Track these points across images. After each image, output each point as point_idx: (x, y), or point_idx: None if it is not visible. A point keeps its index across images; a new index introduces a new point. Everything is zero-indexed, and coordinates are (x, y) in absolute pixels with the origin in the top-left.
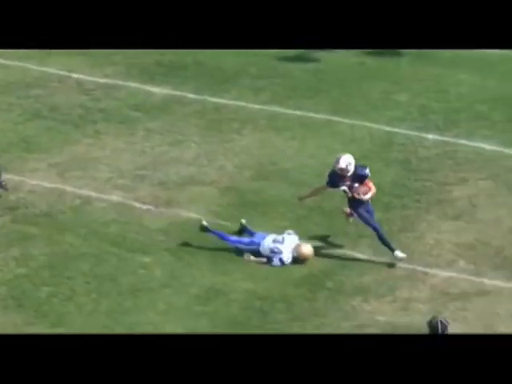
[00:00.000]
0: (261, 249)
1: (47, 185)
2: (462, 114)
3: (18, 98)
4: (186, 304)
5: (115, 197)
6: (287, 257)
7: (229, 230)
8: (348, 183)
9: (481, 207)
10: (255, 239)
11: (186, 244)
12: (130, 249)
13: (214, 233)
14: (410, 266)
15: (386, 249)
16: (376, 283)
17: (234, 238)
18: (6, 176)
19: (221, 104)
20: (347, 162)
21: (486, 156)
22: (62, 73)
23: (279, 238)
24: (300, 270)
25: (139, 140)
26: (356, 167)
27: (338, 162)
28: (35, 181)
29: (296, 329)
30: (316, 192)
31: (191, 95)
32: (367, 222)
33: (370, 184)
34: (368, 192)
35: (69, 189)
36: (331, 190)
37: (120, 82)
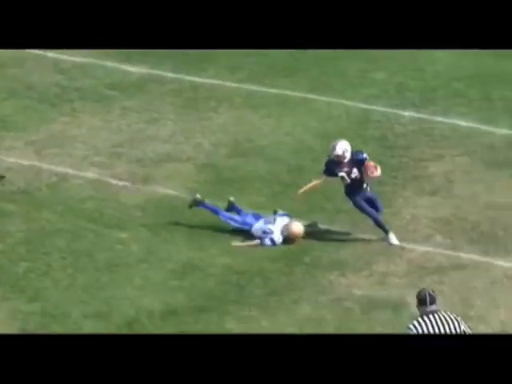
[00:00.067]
0: (253, 230)
1: (24, 162)
2: (439, 91)
3: None
4: (163, 279)
5: (92, 174)
6: (278, 237)
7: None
8: (346, 169)
9: (457, 183)
10: (248, 220)
11: (162, 220)
12: (107, 225)
13: (206, 207)
14: (387, 241)
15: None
16: (353, 257)
17: (227, 214)
18: None
19: (197, 83)
20: (343, 148)
21: (462, 133)
22: (37, 52)
23: (270, 218)
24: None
25: (115, 118)
26: (353, 153)
27: (334, 148)
28: (12, 159)
29: (273, 303)
30: (315, 185)
31: (168, 74)
32: (364, 211)
33: (371, 163)
34: (375, 170)
35: (45, 166)
36: (330, 178)
37: (96, 61)
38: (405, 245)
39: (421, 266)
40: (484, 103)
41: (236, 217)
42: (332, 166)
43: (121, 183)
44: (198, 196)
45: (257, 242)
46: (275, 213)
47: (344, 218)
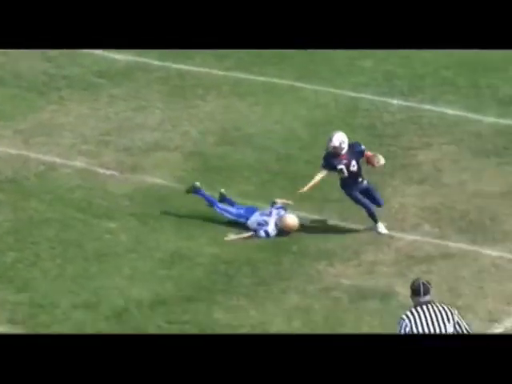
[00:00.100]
0: (248, 222)
1: (12, 151)
2: (427, 79)
3: None
4: (151, 268)
5: (80, 163)
6: (272, 229)
7: (194, 196)
8: (345, 161)
9: (445, 171)
10: (243, 212)
11: (150, 209)
12: (95, 214)
13: (203, 195)
14: (375, 230)
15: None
16: (341, 247)
17: (223, 206)
18: None
19: (184, 70)
20: (340, 139)
21: (450, 121)
22: None
23: (267, 211)
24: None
25: (103, 106)
26: (350, 145)
27: (330, 140)
28: (0, 147)
29: (261, 292)
30: (316, 180)
31: (155, 62)
32: (359, 202)
33: (367, 153)
34: (379, 159)
35: (33, 155)
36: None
37: (84, 49)
38: (393, 234)
39: (409, 255)
40: (471, 91)
41: (231, 209)
42: (330, 158)
43: (109, 172)
44: (198, 184)
45: (251, 233)
46: (273, 204)
47: (332, 207)
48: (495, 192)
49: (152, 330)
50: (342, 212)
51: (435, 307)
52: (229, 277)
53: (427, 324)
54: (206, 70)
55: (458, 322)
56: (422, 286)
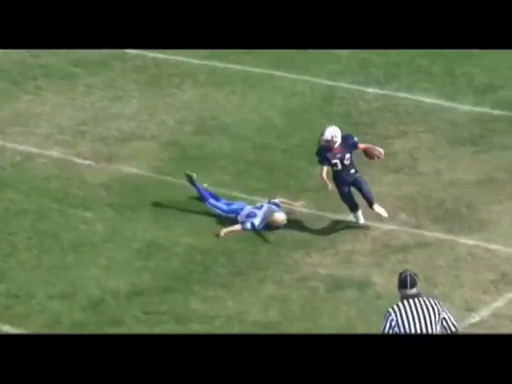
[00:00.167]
0: (238, 217)
1: None
2: (403, 67)
3: None
4: (128, 259)
5: (56, 152)
6: (259, 221)
7: (171, 185)
8: (339, 155)
9: (421, 160)
10: (235, 208)
11: (127, 199)
12: (72, 204)
13: (197, 189)
14: (352, 219)
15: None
16: (318, 236)
17: (215, 202)
18: None
19: (160, 59)
20: (332, 133)
21: (426, 109)
22: None
23: (258, 205)
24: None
25: (79, 96)
26: (343, 138)
27: (323, 134)
28: None
29: (238, 282)
30: (325, 176)
31: (131, 51)
32: (344, 196)
33: (362, 145)
34: (380, 152)
35: (9, 145)
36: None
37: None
38: (370, 223)
39: (385, 244)
40: (447, 79)
41: (222, 205)
42: (325, 153)
43: (85, 162)
44: (195, 175)
45: (238, 227)
46: (269, 201)
47: (309, 196)
48: (471, 181)
49: (129, 320)
50: (319, 201)
51: (422, 301)
52: (205, 267)
53: (413, 319)
54: (183, 58)
55: (444, 318)
56: (408, 278)
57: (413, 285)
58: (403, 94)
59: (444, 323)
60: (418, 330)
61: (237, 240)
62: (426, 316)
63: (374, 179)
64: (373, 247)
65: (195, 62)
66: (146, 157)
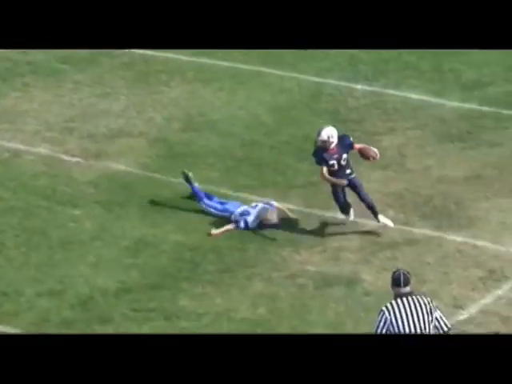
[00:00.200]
0: (232, 216)
1: None
2: (391, 64)
3: None
4: (117, 256)
5: (44, 149)
6: (252, 220)
7: (159, 182)
8: (336, 156)
9: (409, 157)
10: (229, 207)
11: (115, 196)
12: (60, 202)
13: (193, 189)
14: (340, 216)
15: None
16: (306, 234)
17: (209, 202)
18: None
19: (148, 56)
20: (328, 133)
21: (414, 105)
22: None
23: (254, 204)
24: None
25: (67, 92)
26: (339, 138)
27: (319, 134)
28: None
29: (226, 280)
30: (326, 177)
31: None
32: (336, 197)
33: (358, 145)
34: (376, 153)
35: None
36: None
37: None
38: (357, 219)
39: (374, 241)
40: (435, 75)
41: (217, 205)
42: (321, 153)
43: (73, 159)
44: (191, 175)
45: (231, 226)
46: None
47: (297, 193)
48: (459, 177)
49: (117, 317)
50: (307, 198)
51: (416, 300)
52: (194, 264)
53: (407, 317)
54: (171, 55)
55: (437, 318)
56: (402, 276)
57: (406, 283)
58: (391, 91)
59: (436, 323)
60: (412, 329)
61: (225, 237)
62: (420, 315)
63: (362, 176)
64: (361, 244)
65: (183, 58)
66: (134, 154)
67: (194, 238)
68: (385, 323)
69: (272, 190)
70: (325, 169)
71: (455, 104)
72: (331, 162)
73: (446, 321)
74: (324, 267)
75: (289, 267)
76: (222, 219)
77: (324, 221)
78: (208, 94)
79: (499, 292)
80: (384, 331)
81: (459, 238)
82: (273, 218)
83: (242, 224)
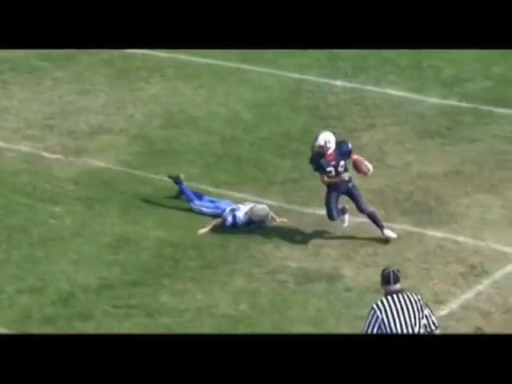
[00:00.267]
0: (223, 214)
1: None
2: (370, 60)
3: None
4: (98, 253)
5: (24, 147)
6: (241, 215)
7: (139, 179)
8: (333, 163)
9: (389, 153)
10: (221, 205)
11: (95, 193)
12: (40, 199)
13: (183, 190)
14: (321, 213)
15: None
16: (287, 229)
17: (198, 202)
18: None
19: (128, 53)
20: (326, 139)
21: (394, 102)
22: None
23: (246, 203)
24: (209, 218)
25: (47, 90)
26: (338, 144)
27: (316, 139)
28: None
29: (207, 276)
30: (326, 182)
31: None
32: (328, 204)
33: (355, 156)
34: (369, 168)
35: None
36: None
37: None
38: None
39: (354, 237)
40: (414, 71)
41: (208, 204)
42: (318, 159)
43: (53, 156)
44: (182, 176)
45: (219, 220)
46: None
47: (277, 189)
48: (439, 173)
49: (98, 314)
50: (287, 194)
51: (406, 297)
52: (175, 260)
53: (398, 314)
54: (150, 52)
55: (426, 316)
56: (392, 274)
57: (396, 280)
58: (371, 87)
59: (425, 321)
60: (404, 326)
61: (207, 234)
62: (411, 312)
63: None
64: (342, 240)
65: (163, 55)
66: (114, 151)
67: (174, 234)
68: (376, 321)
69: (252, 187)
70: (325, 177)
71: (435, 100)
72: (328, 169)
73: (434, 319)
74: (305, 263)
75: (270, 263)
76: (206, 217)
77: (304, 217)
78: (188, 91)
79: (480, 287)
80: (375, 329)
81: (440, 234)
82: (263, 213)
83: (230, 219)
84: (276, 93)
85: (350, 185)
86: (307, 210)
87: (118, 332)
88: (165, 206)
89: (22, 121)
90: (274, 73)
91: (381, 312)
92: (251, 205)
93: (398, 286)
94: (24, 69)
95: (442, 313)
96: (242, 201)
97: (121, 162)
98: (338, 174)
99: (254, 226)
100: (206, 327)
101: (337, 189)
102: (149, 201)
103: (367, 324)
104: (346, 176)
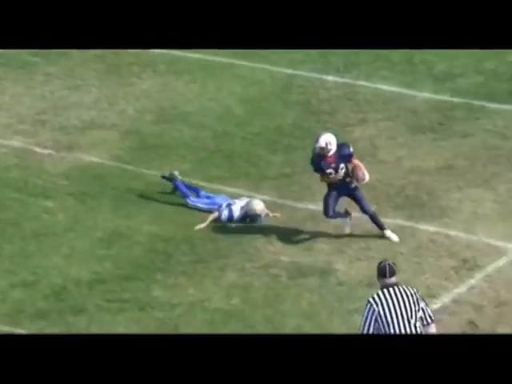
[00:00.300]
0: (219, 209)
1: None
2: (362, 55)
3: None
4: (90, 247)
5: (16, 142)
6: (237, 209)
7: (131, 174)
8: (333, 165)
9: (381, 148)
10: (217, 200)
11: (88, 188)
12: (32, 194)
13: (178, 186)
14: (314, 207)
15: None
16: (279, 224)
17: (194, 198)
18: None
19: None
20: (327, 140)
21: (386, 97)
22: None
23: (242, 198)
24: (202, 213)
25: (39, 85)
26: (339, 146)
27: (317, 141)
28: None
29: (200, 270)
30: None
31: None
32: (327, 203)
33: (356, 161)
34: (365, 176)
35: None
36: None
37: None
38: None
39: (347, 231)
40: (406, 66)
41: (204, 199)
42: (319, 161)
43: (45, 151)
44: (176, 173)
45: (215, 215)
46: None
47: (269, 184)
48: (431, 168)
49: (91, 308)
50: (279, 189)
51: (402, 290)
52: (167, 255)
53: (394, 307)
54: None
55: (422, 309)
56: (387, 267)
57: (392, 274)
58: (363, 82)
59: (421, 313)
60: (400, 319)
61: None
62: (407, 305)
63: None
64: (335, 235)
65: (154, 50)
66: (106, 146)
67: (167, 229)
68: (373, 314)
69: (244, 182)
70: (325, 178)
71: (427, 95)
72: (328, 171)
73: (430, 312)
74: (297, 257)
75: (262, 258)
76: (199, 212)
77: (297, 211)
78: (180, 86)
79: (472, 281)
80: (372, 322)
81: (432, 228)
82: (258, 208)
83: (226, 213)
84: (268, 88)
85: (353, 186)
86: (299, 205)
87: (111, 326)
88: (157, 201)
89: (14, 116)
90: (265, 68)
91: (377, 305)
92: (247, 199)
93: (393, 280)
94: (16, 64)
95: (435, 307)
96: (235, 196)
97: (113, 157)
98: (338, 175)
99: (249, 220)
100: (198, 321)
101: (337, 189)
102: (141, 195)
103: (364, 318)
104: (347, 179)
